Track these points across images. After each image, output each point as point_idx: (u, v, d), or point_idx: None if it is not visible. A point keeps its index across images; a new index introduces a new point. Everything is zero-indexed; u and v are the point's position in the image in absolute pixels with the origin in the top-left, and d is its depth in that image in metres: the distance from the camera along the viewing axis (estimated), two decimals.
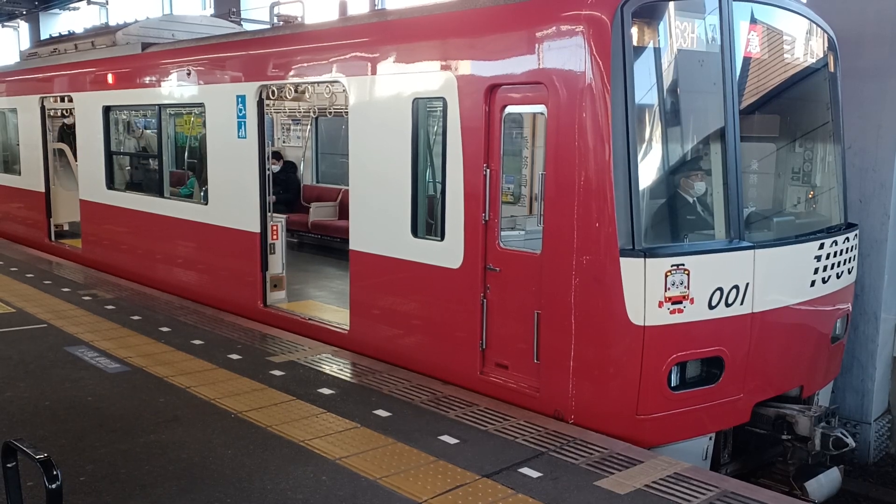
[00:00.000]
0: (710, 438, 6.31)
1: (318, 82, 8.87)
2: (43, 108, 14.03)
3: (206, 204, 10.07)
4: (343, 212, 13.02)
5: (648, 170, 6.13)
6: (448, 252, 6.97)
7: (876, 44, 8.07)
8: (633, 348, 5.84)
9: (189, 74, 10.22)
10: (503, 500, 4.92)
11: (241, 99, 9.22)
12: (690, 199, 6.48)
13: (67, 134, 14.50)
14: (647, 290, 5.74)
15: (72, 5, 26.52)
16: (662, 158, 6.34)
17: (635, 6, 5.80)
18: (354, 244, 8.00)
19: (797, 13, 6.98)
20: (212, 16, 17.49)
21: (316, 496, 4.92)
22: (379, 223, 7.69)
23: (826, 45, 7.29)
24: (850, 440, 6.35)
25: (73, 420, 6.14)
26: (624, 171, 5.75)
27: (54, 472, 3.54)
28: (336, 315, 8.82)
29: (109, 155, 12.10)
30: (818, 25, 7.18)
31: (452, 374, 7.06)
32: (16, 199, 15.39)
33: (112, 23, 14.65)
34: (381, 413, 6.35)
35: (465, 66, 6.75)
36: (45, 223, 14.26)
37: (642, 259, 5.73)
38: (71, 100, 13.03)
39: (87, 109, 12.36)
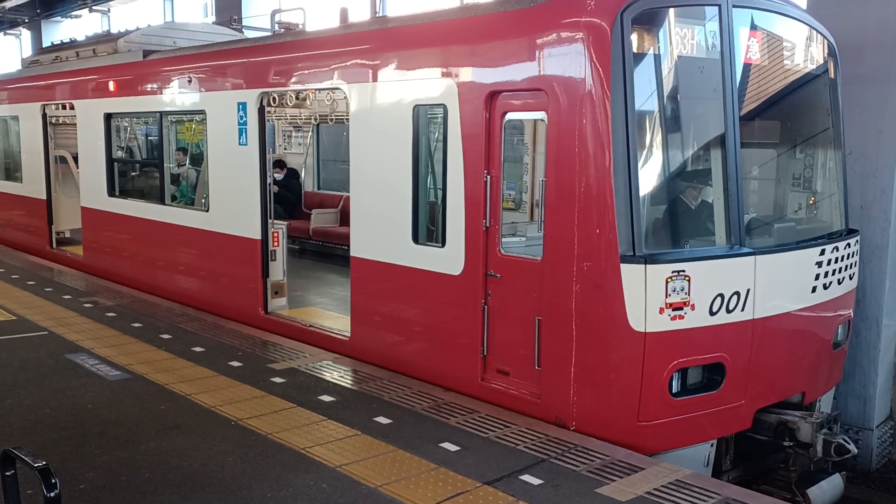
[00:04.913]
0: (712, 445, 6.29)
1: (320, 89, 8.89)
2: (45, 116, 14.06)
3: (207, 211, 10.07)
4: (344, 218, 13.03)
5: (649, 176, 6.13)
6: (449, 258, 6.97)
7: (877, 50, 8.07)
8: (634, 355, 5.83)
9: (190, 82, 10.24)
10: None
11: (243, 106, 9.23)
12: (691, 206, 6.48)
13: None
14: (647, 297, 5.73)
15: (74, 13, 26.57)
16: (663, 165, 6.34)
17: (635, 13, 5.81)
18: (355, 251, 8.00)
19: (797, 20, 6.99)
20: (213, 23, 17.51)
21: None
22: (380, 230, 7.69)
23: (826, 51, 7.30)
24: (852, 446, 6.34)
25: (73, 427, 6.13)
26: (624, 178, 5.75)
27: (53, 481, 3.54)
28: (337, 322, 8.81)
29: (111, 162, 12.11)
30: (818, 32, 7.18)
31: (453, 380, 7.05)
32: (17, 206, 15.40)
33: (114, 30, 14.64)
34: (382, 420, 6.34)
35: (466, 73, 6.76)
36: (46, 230, 14.28)
37: (643, 265, 5.72)
38: (73, 107, 13.06)
39: (89, 117, 12.38)
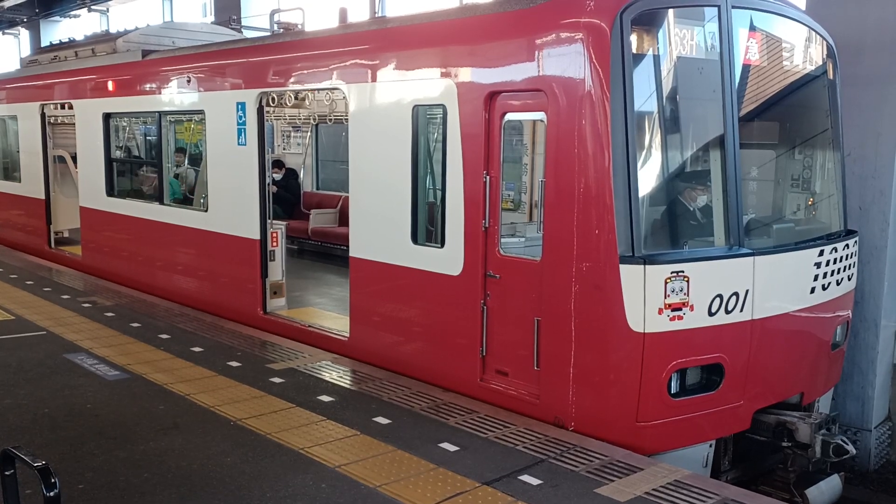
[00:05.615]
0: (711, 445, 6.30)
1: (319, 89, 8.89)
2: (43, 116, 14.05)
3: (206, 211, 10.07)
4: (343, 219, 13.03)
5: (648, 177, 6.13)
6: (448, 259, 6.97)
7: (876, 51, 8.08)
8: (633, 355, 5.83)
9: (189, 81, 10.23)
10: None
11: (241, 106, 9.23)
12: (690, 207, 6.48)
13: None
14: (646, 297, 5.74)
15: (72, 13, 26.56)
16: (662, 165, 6.34)
17: (635, 13, 5.81)
18: (354, 251, 8.00)
19: (796, 21, 6.99)
20: (212, 23, 17.51)
21: None
22: (379, 230, 7.69)
23: (825, 52, 7.31)
24: (850, 447, 6.34)
25: (72, 427, 6.13)
26: (623, 178, 5.76)
27: (52, 480, 3.54)
28: (336, 322, 8.81)
29: (110, 162, 12.11)
30: (817, 33, 7.19)
31: (452, 381, 7.05)
32: (16, 206, 15.40)
33: (112, 30, 14.64)
34: (381, 420, 6.34)
35: (465, 74, 6.76)
36: (45, 230, 14.27)
37: (642, 266, 5.72)
38: (71, 107, 13.05)
39: (88, 117, 12.37)
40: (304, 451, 5.70)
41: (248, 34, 15.25)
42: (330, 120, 13.93)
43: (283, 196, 14.17)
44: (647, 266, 5.73)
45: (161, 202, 11.17)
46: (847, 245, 7.17)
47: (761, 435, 6.59)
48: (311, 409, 6.58)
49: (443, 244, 7.03)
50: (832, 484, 6.64)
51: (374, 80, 7.63)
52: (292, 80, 8.73)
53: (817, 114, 7.46)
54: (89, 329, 9.09)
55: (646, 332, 5.78)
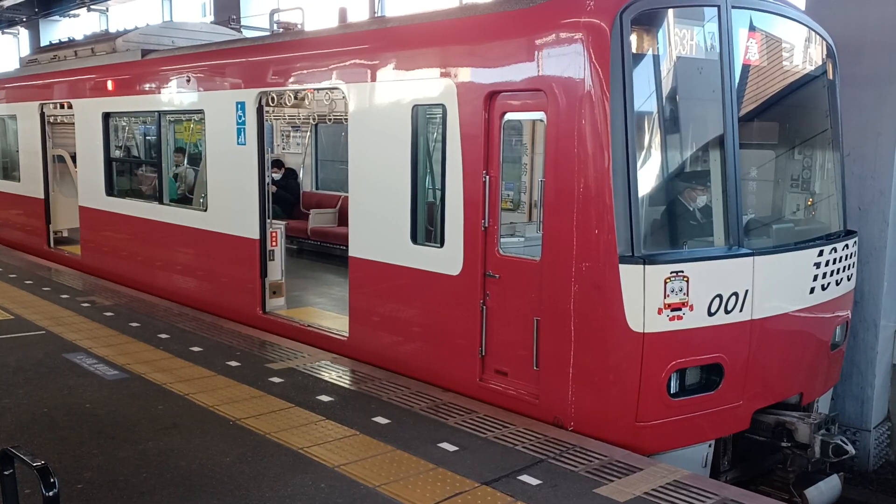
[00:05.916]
0: (710, 445, 6.30)
1: (318, 89, 8.89)
2: (42, 115, 14.05)
3: (206, 210, 10.07)
4: (342, 218, 13.03)
5: (647, 177, 6.13)
6: (447, 259, 6.97)
7: (875, 51, 8.08)
8: (632, 355, 5.83)
9: (189, 81, 10.23)
10: None
11: (241, 105, 9.23)
12: (690, 207, 6.48)
13: None
14: (646, 297, 5.73)
15: (72, 12, 26.57)
16: (661, 165, 6.34)
17: (635, 13, 5.81)
18: (354, 251, 7.99)
19: (796, 21, 6.99)
20: (212, 23, 17.51)
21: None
22: (378, 230, 7.69)
23: (825, 52, 7.31)
24: (849, 447, 6.34)
25: (71, 427, 6.12)
26: (623, 178, 5.76)
27: (51, 480, 3.54)
28: (335, 322, 8.81)
29: (109, 161, 12.11)
30: (817, 33, 7.19)
31: (452, 380, 7.05)
32: (15, 205, 15.39)
33: (112, 30, 14.64)
34: (381, 420, 6.34)
35: (465, 73, 6.76)
36: (44, 230, 14.26)
37: (641, 266, 5.72)
38: (71, 106, 13.05)
39: (87, 116, 12.37)
40: (304, 451, 5.70)
41: (247, 34, 15.25)
42: (329, 120, 13.93)
43: (283, 196, 14.17)
44: (646, 266, 5.73)
45: (160, 202, 11.17)
46: (846, 245, 7.17)
47: (761, 435, 6.59)
48: (310, 409, 6.58)
49: (442, 244, 7.03)
50: (831, 484, 6.64)
51: (373, 79, 7.62)
52: (292, 79, 8.72)
53: (817, 114, 7.46)
54: (88, 329, 9.09)
55: (645, 332, 5.78)
